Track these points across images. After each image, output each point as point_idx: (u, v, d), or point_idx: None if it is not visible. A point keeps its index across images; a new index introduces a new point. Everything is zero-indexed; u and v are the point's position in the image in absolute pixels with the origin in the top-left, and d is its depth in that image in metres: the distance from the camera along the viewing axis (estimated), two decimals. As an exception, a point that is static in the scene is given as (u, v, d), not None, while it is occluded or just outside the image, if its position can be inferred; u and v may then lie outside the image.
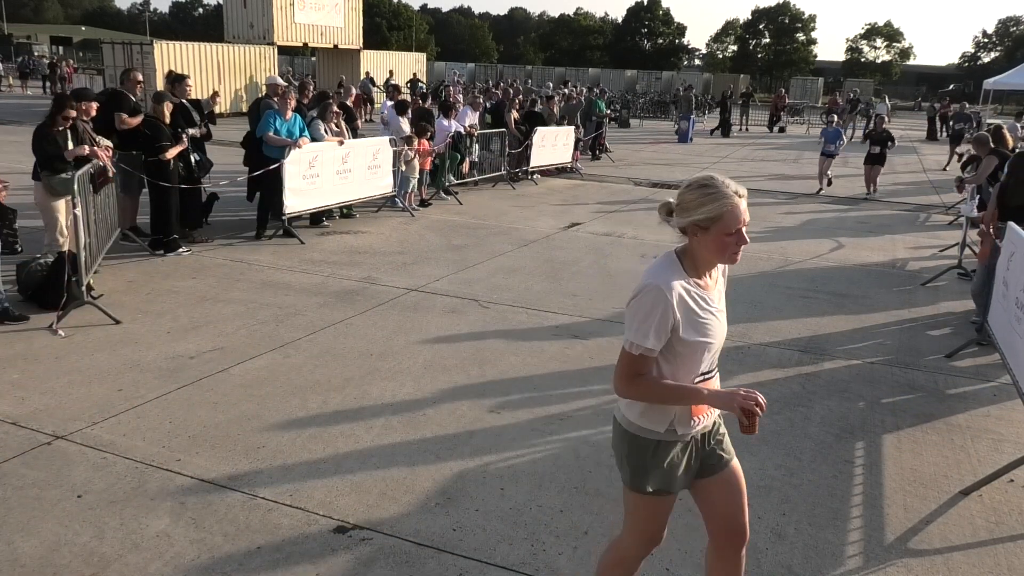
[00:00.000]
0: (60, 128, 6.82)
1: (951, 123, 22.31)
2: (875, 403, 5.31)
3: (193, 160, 8.81)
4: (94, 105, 7.66)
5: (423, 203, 12.14)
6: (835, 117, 17.53)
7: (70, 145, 6.88)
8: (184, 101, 9.06)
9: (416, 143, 11.49)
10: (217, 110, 10.92)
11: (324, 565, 3.32)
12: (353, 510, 3.73)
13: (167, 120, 8.30)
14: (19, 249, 7.05)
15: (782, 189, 15.71)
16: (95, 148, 7.17)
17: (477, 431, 4.61)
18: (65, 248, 6.76)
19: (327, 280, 7.69)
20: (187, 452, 4.19)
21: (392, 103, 13.00)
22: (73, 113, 6.85)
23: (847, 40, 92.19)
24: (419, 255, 8.90)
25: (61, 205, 6.80)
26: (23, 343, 5.66)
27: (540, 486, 4.02)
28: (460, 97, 17.70)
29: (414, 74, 35.31)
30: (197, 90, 21.57)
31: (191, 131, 8.88)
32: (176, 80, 9.22)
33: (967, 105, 30.86)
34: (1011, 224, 5.45)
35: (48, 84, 34.71)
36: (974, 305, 7.02)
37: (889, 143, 14.53)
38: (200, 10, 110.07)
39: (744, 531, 2.71)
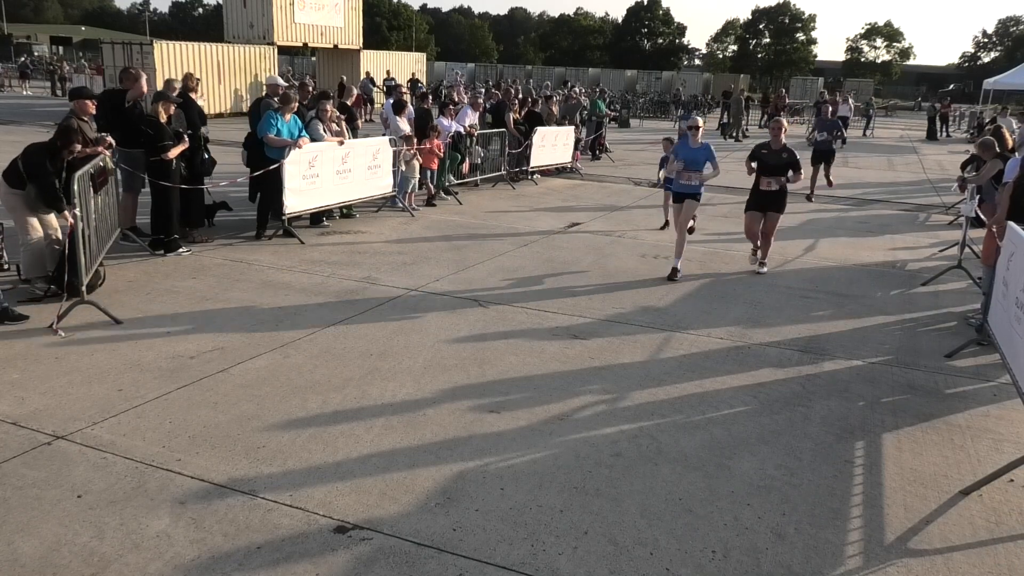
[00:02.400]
0: (59, 164, 6.68)
1: (813, 132, 15.78)
2: (875, 403, 5.31)
3: (205, 157, 8.96)
4: (91, 103, 7.66)
5: (429, 202, 12.14)
6: (698, 120, 8.37)
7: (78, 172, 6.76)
8: (195, 101, 9.18)
9: (415, 143, 11.51)
10: (219, 110, 11.10)
11: (324, 565, 3.32)
12: (353, 510, 3.73)
13: (166, 119, 8.30)
14: (5, 266, 7.04)
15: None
16: (96, 148, 7.18)
17: (477, 431, 4.61)
18: (39, 250, 6.72)
19: (327, 280, 7.69)
20: (187, 452, 4.19)
21: (391, 102, 13.00)
22: (77, 148, 6.74)
23: (847, 40, 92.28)
24: (419, 255, 8.90)
25: (35, 219, 6.73)
26: (23, 343, 5.66)
27: (540, 486, 4.02)
28: (464, 97, 17.68)
29: (413, 74, 35.25)
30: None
31: (203, 131, 8.97)
32: (195, 83, 9.45)
33: (843, 103, 27.02)
34: (1011, 224, 5.45)
35: (52, 84, 34.79)
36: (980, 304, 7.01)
37: (791, 173, 8.25)
38: (200, 10, 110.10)
39: None
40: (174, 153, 8.13)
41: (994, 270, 6.09)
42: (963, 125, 36.11)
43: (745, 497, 4.00)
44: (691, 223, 8.78)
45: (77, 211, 6.05)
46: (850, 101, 29.32)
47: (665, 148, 10.57)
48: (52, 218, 6.93)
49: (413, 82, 32.87)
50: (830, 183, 15.18)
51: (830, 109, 16.90)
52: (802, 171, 8.33)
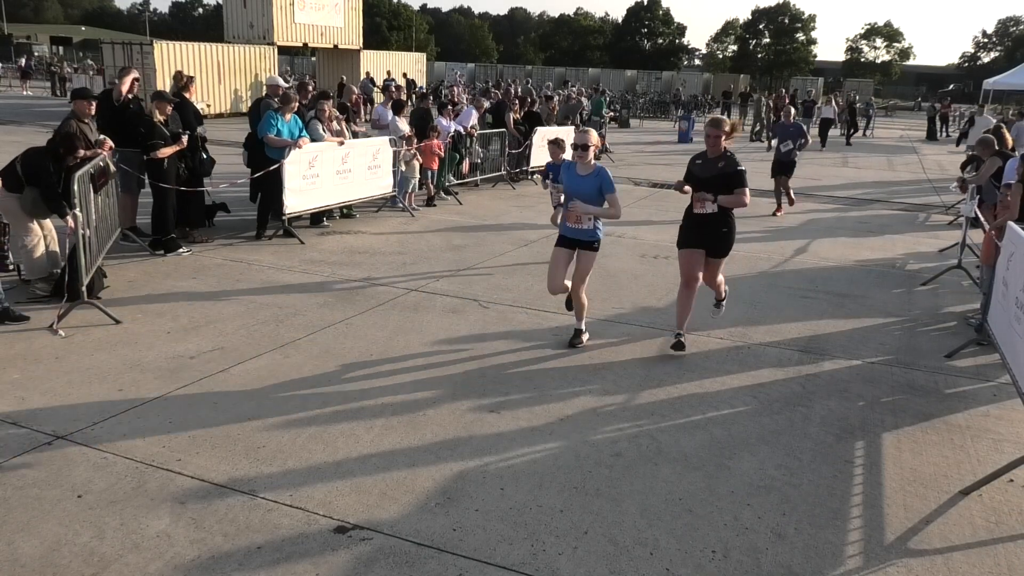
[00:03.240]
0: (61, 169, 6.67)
1: (774, 141, 13.00)
2: (875, 403, 5.31)
3: (204, 157, 9.00)
4: (91, 104, 7.67)
5: (429, 202, 12.14)
6: (590, 137, 5.68)
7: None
8: (191, 102, 9.21)
9: (415, 143, 11.52)
10: (219, 110, 11.15)
11: (324, 565, 3.32)
12: (353, 510, 3.73)
13: (164, 119, 8.32)
14: (10, 266, 7.04)
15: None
16: (96, 150, 7.19)
17: (477, 431, 4.61)
18: (42, 248, 6.74)
19: (327, 280, 7.69)
20: (187, 452, 4.19)
21: (384, 104, 13.00)
22: (82, 153, 6.75)
23: (847, 40, 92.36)
24: (419, 255, 8.89)
25: (34, 223, 6.72)
26: (23, 343, 5.66)
27: (540, 486, 4.02)
28: (464, 97, 17.69)
29: (403, 74, 35.00)
30: (197, 91, 21.67)
31: (199, 130, 8.99)
32: (188, 81, 9.45)
33: (827, 104, 26.65)
34: (1011, 224, 5.45)
35: (53, 84, 34.80)
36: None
37: (735, 192, 5.76)
38: (200, 10, 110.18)
39: None
40: (164, 153, 8.13)
41: (994, 270, 6.09)
42: (963, 125, 36.13)
43: (745, 497, 4.00)
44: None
45: (78, 212, 6.05)
46: (834, 103, 28.53)
47: (553, 155, 7.99)
48: (48, 221, 6.94)
49: (409, 82, 32.77)
50: (791, 200, 12.75)
51: (791, 112, 13.04)
52: (747, 191, 5.78)
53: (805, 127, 14.66)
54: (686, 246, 6.06)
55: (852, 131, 28.65)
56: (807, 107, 26.87)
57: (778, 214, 12.58)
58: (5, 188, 6.57)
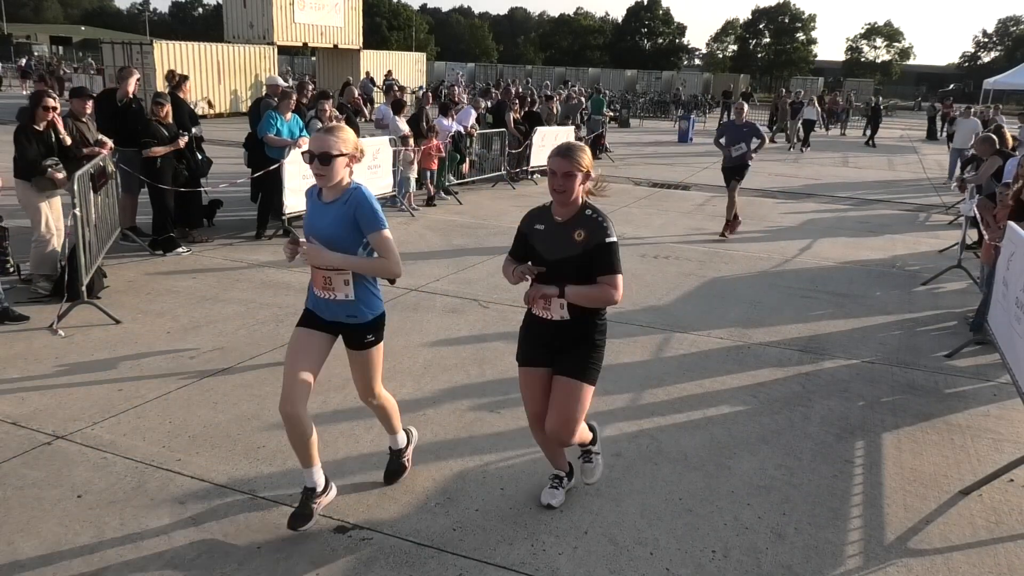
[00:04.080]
0: (40, 127, 6.63)
1: (719, 141, 10.61)
2: (875, 403, 5.31)
3: (199, 158, 9.00)
4: (89, 103, 7.67)
5: (429, 202, 12.13)
6: (333, 140, 3.28)
7: (64, 138, 6.83)
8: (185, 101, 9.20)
9: (413, 142, 11.52)
10: (219, 110, 11.14)
11: (324, 565, 3.32)
12: (353, 510, 3.73)
13: (166, 120, 8.32)
14: (11, 269, 7.06)
15: (782, 188, 15.72)
16: (92, 148, 7.20)
17: (477, 431, 4.61)
18: (53, 244, 6.76)
19: (327, 280, 7.68)
20: (187, 452, 4.19)
21: (386, 104, 13.00)
22: (52, 102, 6.74)
23: (847, 40, 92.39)
24: (419, 255, 8.89)
25: (45, 202, 6.73)
26: (23, 343, 5.66)
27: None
28: (464, 96, 17.69)
29: (389, 72, 34.62)
30: (197, 90, 21.68)
31: (194, 130, 8.99)
32: (180, 80, 9.43)
33: (808, 105, 24.74)
34: (1011, 223, 5.45)
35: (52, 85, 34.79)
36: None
37: (599, 282, 3.30)
38: (200, 10, 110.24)
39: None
40: (157, 151, 8.13)
41: (994, 268, 6.09)
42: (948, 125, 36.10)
43: (745, 497, 4.00)
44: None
45: (77, 211, 6.05)
46: (816, 103, 27.75)
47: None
48: (60, 214, 6.94)
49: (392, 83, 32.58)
50: (735, 215, 10.78)
51: (744, 108, 10.96)
52: (619, 280, 3.33)
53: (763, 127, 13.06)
54: (525, 363, 3.68)
55: (872, 132, 28.22)
56: (795, 107, 26.01)
57: (727, 235, 10.66)
58: (16, 175, 6.63)
